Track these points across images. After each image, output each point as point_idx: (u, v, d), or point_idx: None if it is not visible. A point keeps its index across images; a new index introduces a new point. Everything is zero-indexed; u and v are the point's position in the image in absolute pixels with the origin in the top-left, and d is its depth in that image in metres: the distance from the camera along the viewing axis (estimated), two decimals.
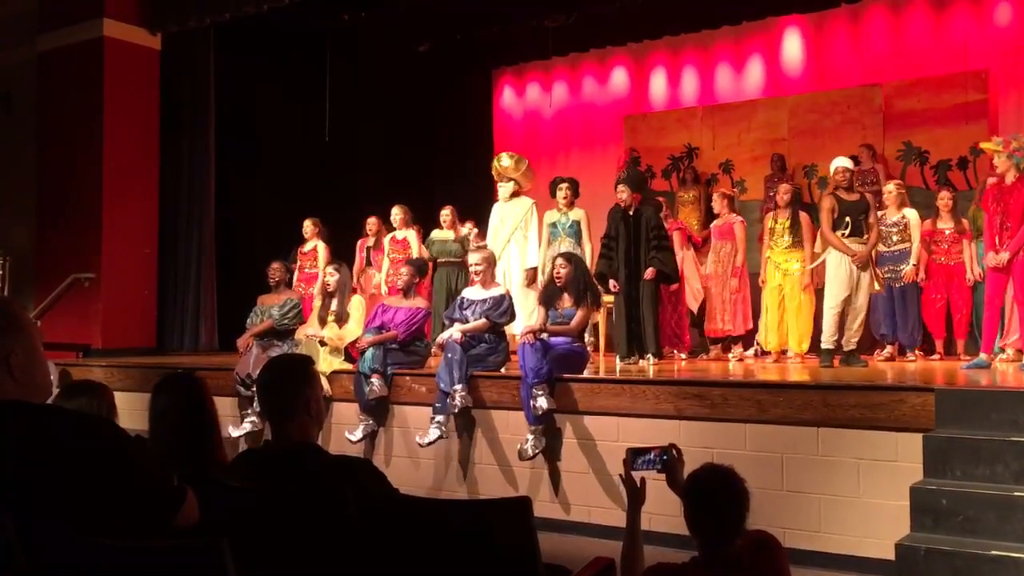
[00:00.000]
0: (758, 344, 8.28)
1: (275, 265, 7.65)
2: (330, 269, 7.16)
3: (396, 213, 8.86)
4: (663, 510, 4.64)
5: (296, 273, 8.86)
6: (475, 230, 9.04)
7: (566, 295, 6.23)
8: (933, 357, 7.85)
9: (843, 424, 4.95)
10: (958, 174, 9.35)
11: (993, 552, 4.09)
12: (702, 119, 11.08)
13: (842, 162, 7.02)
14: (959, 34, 9.94)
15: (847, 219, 6.68)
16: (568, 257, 6.41)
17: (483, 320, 6.31)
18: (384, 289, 8.66)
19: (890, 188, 7.90)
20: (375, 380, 6.32)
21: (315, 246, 9.01)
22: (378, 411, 6.50)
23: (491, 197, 8.91)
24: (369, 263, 9.29)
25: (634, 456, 2.90)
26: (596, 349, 7.40)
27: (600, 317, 7.25)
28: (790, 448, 5.09)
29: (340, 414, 6.73)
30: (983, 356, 6.28)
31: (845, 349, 6.69)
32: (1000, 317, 6.57)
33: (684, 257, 8.56)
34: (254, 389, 6.47)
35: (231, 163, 10.53)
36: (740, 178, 10.63)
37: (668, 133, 11.19)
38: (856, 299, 6.64)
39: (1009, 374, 6.14)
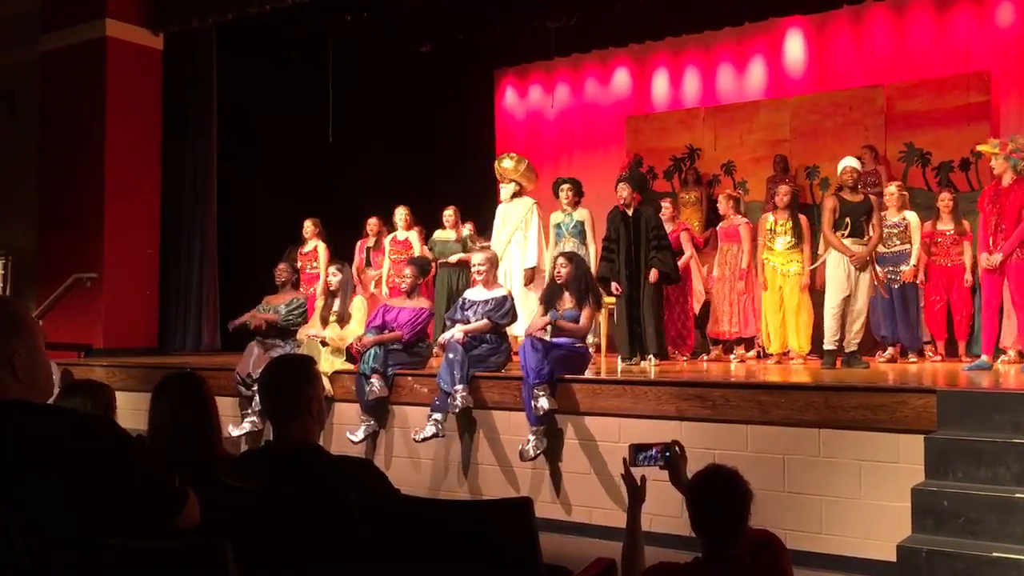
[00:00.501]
0: (759, 345, 8.27)
1: (282, 266, 7.69)
2: (333, 269, 7.23)
3: (401, 213, 8.86)
4: (664, 511, 4.66)
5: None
6: (472, 232, 9.03)
7: (567, 294, 6.23)
8: (935, 359, 7.85)
9: (845, 425, 4.94)
10: (960, 175, 9.34)
11: (994, 554, 4.08)
12: (704, 120, 11.07)
13: (850, 162, 7.00)
14: (961, 35, 9.94)
15: (847, 220, 6.68)
16: (569, 256, 6.41)
17: (485, 321, 6.31)
18: (384, 290, 8.66)
19: (891, 190, 7.91)
20: (375, 380, 6.33)
21: (315, 246, 9.01)
22: (378, 411, 6.50)
23: (493, 198, 8.90)
24: (369, 263, 9.30)
25: (635, 452, 2.86)
26: (598, 350, 7.39)
27: (602, 318, 7.25)
28: (791, 449, 5.09)
29: (342, 414, 6.73)
30: (985, 358, 6.27)
31: (846, 350, 6.68)
32: (1000, 318, 6.56)
33: (690, 258, 8.55)
34: (255, 389, 6.49)
35: (233, 163, 10.54)
36: (742, 179, 10.62)
37: (670, 134, 11.18)
38: (855, 300, 6.63)
39: (1011, 376, 6.13)
